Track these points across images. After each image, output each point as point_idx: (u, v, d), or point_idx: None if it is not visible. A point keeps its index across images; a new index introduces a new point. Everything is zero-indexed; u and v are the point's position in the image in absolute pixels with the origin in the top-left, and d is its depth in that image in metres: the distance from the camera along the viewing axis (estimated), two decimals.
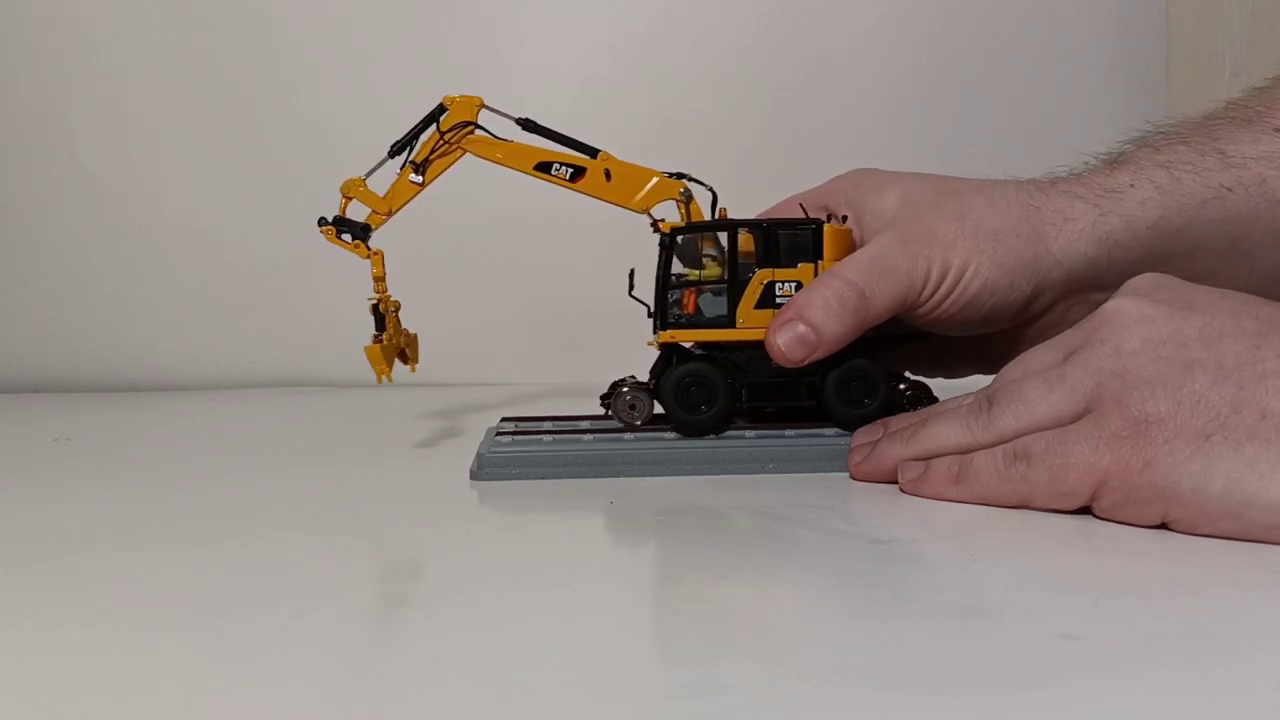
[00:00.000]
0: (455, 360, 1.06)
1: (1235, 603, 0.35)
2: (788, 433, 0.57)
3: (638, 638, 0.33)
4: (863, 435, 0.55)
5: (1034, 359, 0.49)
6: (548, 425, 0.61)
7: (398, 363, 0.63)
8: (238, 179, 1.07)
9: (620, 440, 0.57)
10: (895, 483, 0.51)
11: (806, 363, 0.55)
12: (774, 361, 0.55)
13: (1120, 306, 0.46)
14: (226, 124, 1.08)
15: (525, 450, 0.56)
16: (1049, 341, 0.49)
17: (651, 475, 0.55)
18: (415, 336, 0.65)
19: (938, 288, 0.55)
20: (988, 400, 0.49)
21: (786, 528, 0.46)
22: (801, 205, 0.60)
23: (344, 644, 0.34)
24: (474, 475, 0.56)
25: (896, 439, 0.52)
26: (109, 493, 0.58)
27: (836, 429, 0.58)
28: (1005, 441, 0.47)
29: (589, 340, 1.03)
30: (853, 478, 0.54)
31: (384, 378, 0.61)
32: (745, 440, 0.57)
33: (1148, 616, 0.33)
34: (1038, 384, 0.47)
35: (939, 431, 0.50)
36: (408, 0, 1.07)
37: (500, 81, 1.06)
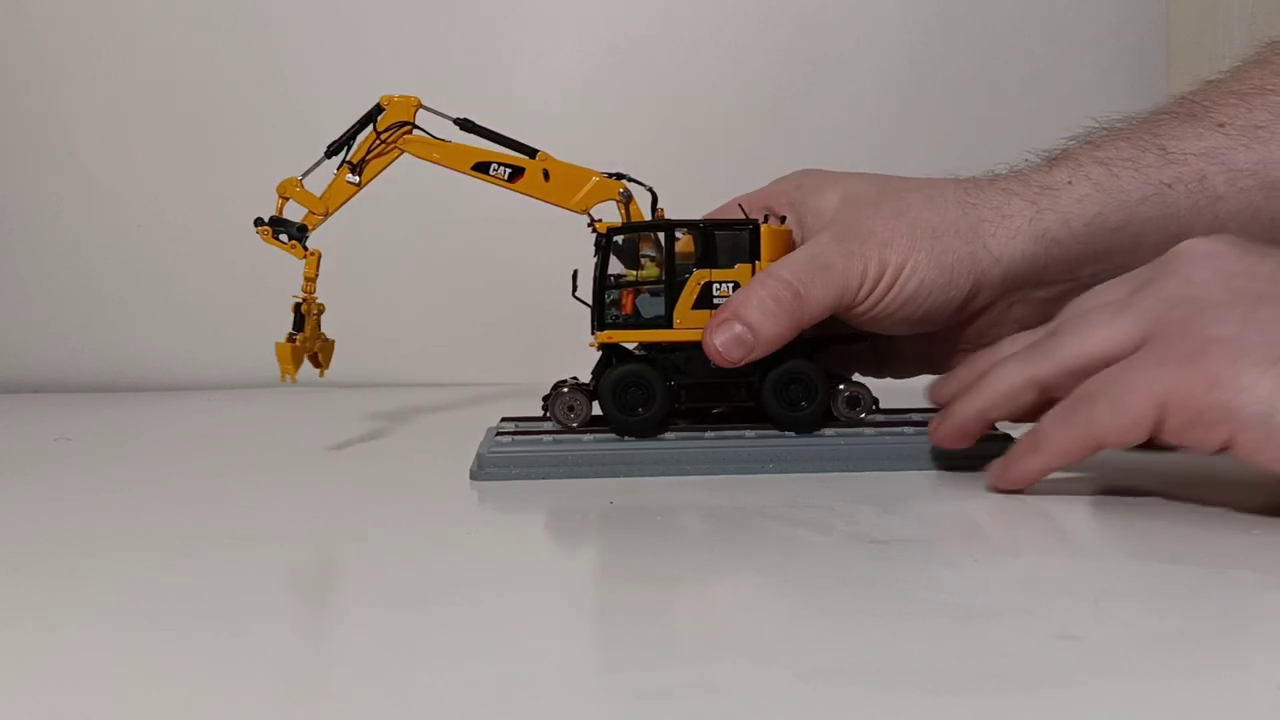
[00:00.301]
0: (454, 360, 1.06)
1: (1235, 603, 0.35)
2: (788, 432, 0.57)
3: (638, 637, 0.33)
4: (935, 393, 0.54)
5: (1102, 293, 0.48)
6: (548, 425, 0.61)
7: (307, 365, 0.63)
8: (238, 179, 1.06)
9: (620, 440, 0.57)
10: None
11: (744, 363, 0.55)
12: (712, 362, 0.55)
13: (1193, 244, 0.46)
14: (226, 124, 1.08)
15: (525, 450, 0.56)
16: (1119, 277, 0.48)
17: (651, 475, 0.55)
18: (332, 342, 0.65)
19: (875, 286, 0.55)
20: (1051, 331, 0.48)
21: (786, 528, 0.46)
22: (741, 205, 0.59)
23: (344, 643, 0.34)
24: (474, 475, 0.56)
25: (965, 395, 0.51)
26: (109, 493, 0.58)
27: (836, 429, 0.58)
28: (1069, 369, 0.46)
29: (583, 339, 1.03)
30: (937, 445, 0.53)
31: (287, 377, 0.61)
32: (745, 440, 0.57)
33: (1148, 616, 0.33)
34: (1103, 311, 0.46)
35: (1002, 371, 0.49)
36: (408, 0, 1.07)
37: (500, 82, 1.06)
